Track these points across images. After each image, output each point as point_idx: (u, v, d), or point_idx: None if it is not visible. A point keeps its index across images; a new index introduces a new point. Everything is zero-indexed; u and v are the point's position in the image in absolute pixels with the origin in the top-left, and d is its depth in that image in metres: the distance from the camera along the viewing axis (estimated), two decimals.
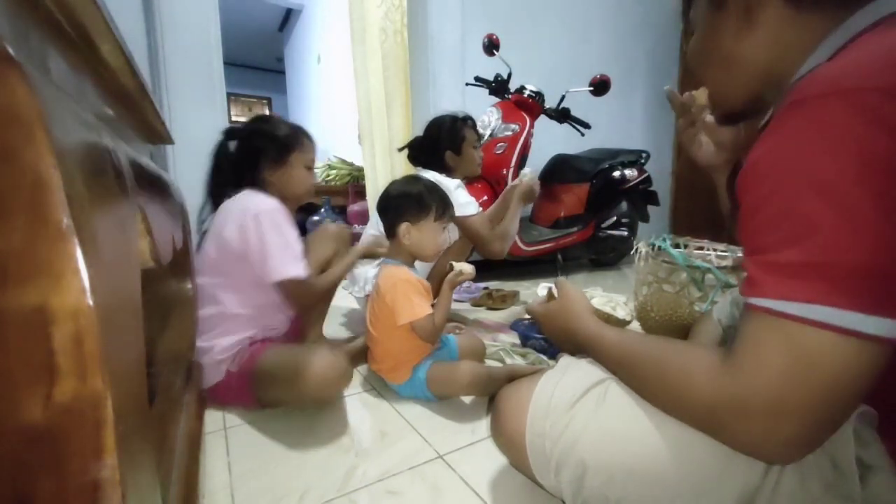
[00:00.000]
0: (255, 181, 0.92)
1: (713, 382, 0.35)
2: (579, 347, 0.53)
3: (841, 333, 0.29)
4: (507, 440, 0.55)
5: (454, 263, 0.89)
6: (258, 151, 0.93)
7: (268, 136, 0.93)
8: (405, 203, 0.91)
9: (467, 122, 1.37)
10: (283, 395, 0.83)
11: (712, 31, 0.47)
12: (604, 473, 0.44)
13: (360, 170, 2.84)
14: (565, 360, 0.55)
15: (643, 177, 2.27)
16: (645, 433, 0.44)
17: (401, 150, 1.46)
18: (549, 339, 0.61)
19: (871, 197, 0.29)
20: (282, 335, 0.95)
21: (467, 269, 0.88)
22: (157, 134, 0.74)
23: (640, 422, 0.44)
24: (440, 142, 1.34)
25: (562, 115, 1.98)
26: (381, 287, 0.89)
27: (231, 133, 0.97)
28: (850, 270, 0.29)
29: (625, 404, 0.46)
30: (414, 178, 0.98)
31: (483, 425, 0.79)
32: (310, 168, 0.99)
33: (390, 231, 0.93)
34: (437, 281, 0.98)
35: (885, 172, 0.29)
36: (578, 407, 0.47)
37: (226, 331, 0.85)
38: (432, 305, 0.88)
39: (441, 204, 0.91)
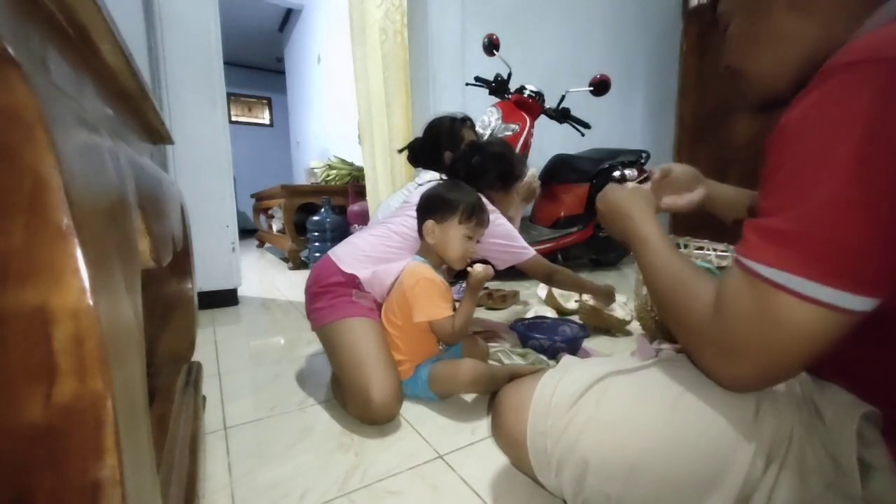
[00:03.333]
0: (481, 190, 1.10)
1: (702, 317, 0.40)
2: (624, 235, 0.56)
3: (800, 299, 0.32)
4: (508, 439, 0.55)
5: (470, 268, 0.89)
6: (486, 171, 1.14)
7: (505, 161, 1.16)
8: (435, 202, 0.93)
9: (465, 122, 1.37)
10: (333, 367, 0.91)
11: (754, 12, 0.45)
12: (605, 471, 0.44)
13: (360, 170, 2.84)
14: (566, 360, 0.55)
15: (643, 177, 2.25)
16: (646, 431, 0.44)
17: (400, 151, 1.47)
18: (600, 209, 0.61)
19: (866, 173, 0.30)
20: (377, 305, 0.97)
21: (478, 268, 0.87)
22: (157, 134, 0.74)
23: (640, 421, 0.45)
24: (439, 143, 1.34)
25: (562, 115, 1.98)
26: (403, 282, 0.90)
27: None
28: (820, 242, 0.32)
29: (626, 402, 0.46)
30: (453, 183, 1.00)
31: (483, 425, 0.79)
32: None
33: (420, 229, 0.95)
34: None
35: (888, 149, 0.29)
36: (579, 405, 0.47)
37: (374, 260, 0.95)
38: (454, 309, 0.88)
39: (468, 208, 0.91)
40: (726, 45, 0.50)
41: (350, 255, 0.96)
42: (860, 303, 0.31)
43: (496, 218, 1.10)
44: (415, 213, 0.98)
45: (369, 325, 0.87)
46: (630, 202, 0.57)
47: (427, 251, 0.95)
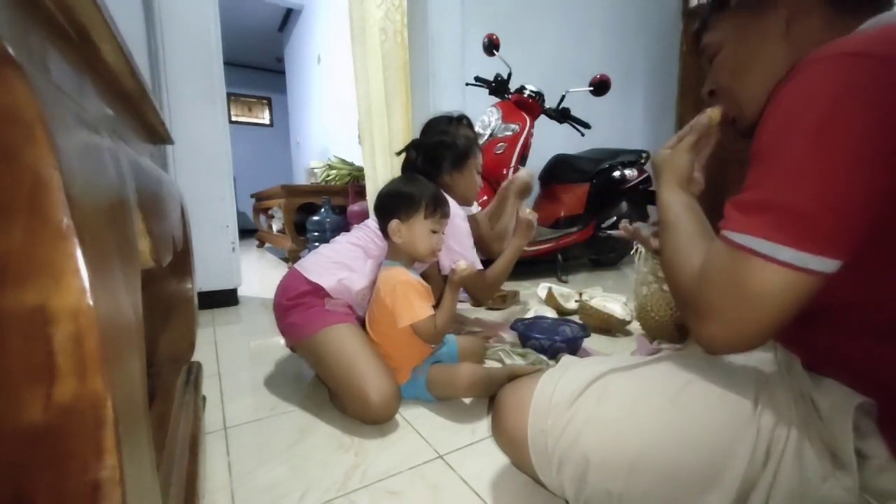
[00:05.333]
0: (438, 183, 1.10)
1: (688, 281, 0.43)
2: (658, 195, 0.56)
3: (767, 261, 0.35)
4: (509, 438, 0.55)
5: (454, 264, 0.88)
6: (434, 162, 1.14)
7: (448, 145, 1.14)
8: (395, 201, 0.90)
9: (462, 121, 1.37)
10: (323, 378, 0.89)
11: (749, 40, 0.47)
12: (606, 468, 0.44)
13: (360, 170, 2.84)
14: (566, 360, 0.55)
15: (643, 177, 2.27)
16: (646, 428, 0.44)
17: (399, 154, 1.46)
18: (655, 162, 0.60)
19: (824, 144, 0.33)
20: (352, 310, 0.95)
21: (462, 265, 0.86)
22: (157, 134, 0.74)
23: (641, 417, 0.45)
24: None
25: (562, 115, 1.98)
26: (380, 289, 0.88)
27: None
28: (782, 208, 0.35)
29: (626, 399, 0.46)
30: (407, 177, 0.97)
31: (483, 425, 0.79)
32: (479, 172, 1.21)
33: (384, 231, 0.92)
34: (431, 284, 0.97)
35: (844, 125, 0.33)
36: (580, 403, 0.47)
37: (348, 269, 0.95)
38: (434, 307, 0.87)
39: (432, 201, 0.89)
40: (713, 73, 0.52)
41: (316, 263, 0.95)
42: (822, 263, 0.34)
43: (454, 217, 1.04)
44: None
45: (351, 329, 0.86)
46: (659, 169, 0.58)
47: (396, 252, 0.92)
